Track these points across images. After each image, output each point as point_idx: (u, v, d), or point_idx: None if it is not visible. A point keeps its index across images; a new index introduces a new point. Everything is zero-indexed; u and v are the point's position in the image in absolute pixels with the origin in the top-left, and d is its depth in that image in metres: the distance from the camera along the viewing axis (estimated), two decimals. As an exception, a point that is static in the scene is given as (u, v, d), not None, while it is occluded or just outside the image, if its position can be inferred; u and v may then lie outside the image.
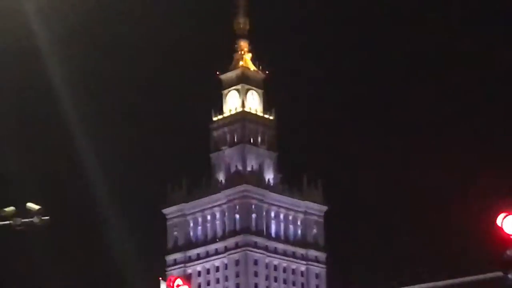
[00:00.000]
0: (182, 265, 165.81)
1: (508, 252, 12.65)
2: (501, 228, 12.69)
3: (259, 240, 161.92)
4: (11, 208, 13.84)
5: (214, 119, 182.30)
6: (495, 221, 12.84)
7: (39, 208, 14.04)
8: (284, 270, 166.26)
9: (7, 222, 13.91)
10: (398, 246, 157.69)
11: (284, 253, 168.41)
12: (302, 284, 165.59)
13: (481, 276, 13.64)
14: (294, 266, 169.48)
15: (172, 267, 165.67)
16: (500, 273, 12.90)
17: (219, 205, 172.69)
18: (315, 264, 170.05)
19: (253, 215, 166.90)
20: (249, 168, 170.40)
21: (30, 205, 14.10)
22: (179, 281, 15.86)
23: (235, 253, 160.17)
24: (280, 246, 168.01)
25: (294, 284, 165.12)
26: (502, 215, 12.88)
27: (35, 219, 13.86)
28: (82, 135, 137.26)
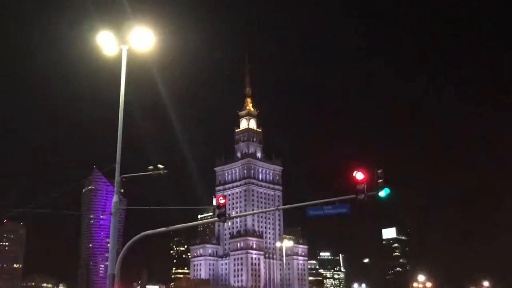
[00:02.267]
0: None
1: (358, 187, 33.15)
2: (354, 177, 33.22)
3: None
4: (151, 167, 34.73)
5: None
6: (353, 173, 33.32)
7: (163, 167, 34.86)
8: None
9: (149, 172, 34.71)
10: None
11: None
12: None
13: (345, 197, 34.05)
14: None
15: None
16: (353, 195, 33.34)
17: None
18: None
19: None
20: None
21: (160, 166, 34.87)
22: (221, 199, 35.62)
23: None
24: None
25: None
26: (356, 172, 33.56)
27: (162, 172, 34.67)
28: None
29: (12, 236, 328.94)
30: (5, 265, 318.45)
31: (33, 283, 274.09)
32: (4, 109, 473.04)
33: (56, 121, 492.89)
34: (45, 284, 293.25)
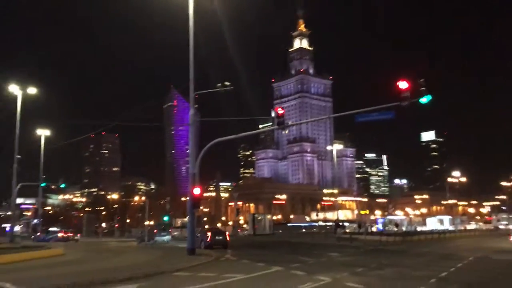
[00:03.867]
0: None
1: (402, 94, 32.10)
2: (398, 86, 32.08)
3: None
4: (219, 84, 35.14)
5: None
6: (397, 83, 32.13)
7: (229, 84, 35.17)
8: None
9: (218, 89, 35.29)
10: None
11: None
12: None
13: (390, 104, 33.17)
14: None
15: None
16: (397, 103, 32.38)
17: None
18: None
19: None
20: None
21: (226, 83, 35.20)
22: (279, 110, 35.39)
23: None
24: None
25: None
26: (400, 81, 32.34)
27: (228, 88, 34.98)
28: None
29: (110, 145, 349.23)
30: (106, 169, 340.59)
31: (129, 183, 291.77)
32: (94, 40, 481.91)
33: (139, 49, 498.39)
34: (139, 183, 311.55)
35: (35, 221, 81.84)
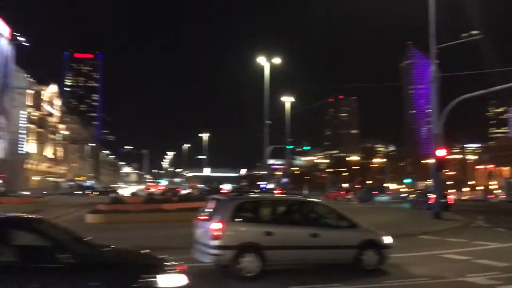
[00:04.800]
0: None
1: None
2: None
3: None
4: (465, 34, 31.91)
5: None
6: None
7: (478, 32, 31.74)
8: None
9: (464, 40, 32.11)
10: None
11: None
12: None
13: None
14: None
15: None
16: None
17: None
18: None
19: None
20: None
21: (473, 32, 31.95)
22: None
23: None
24: None
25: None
26: None
27: (477, 37, 31.60)
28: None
29: (348, 108, 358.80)
30: (345, 131, 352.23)
31: (368, 145, 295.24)
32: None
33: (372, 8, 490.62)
34: (378, 145, 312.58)
35: (284, 180, 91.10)
